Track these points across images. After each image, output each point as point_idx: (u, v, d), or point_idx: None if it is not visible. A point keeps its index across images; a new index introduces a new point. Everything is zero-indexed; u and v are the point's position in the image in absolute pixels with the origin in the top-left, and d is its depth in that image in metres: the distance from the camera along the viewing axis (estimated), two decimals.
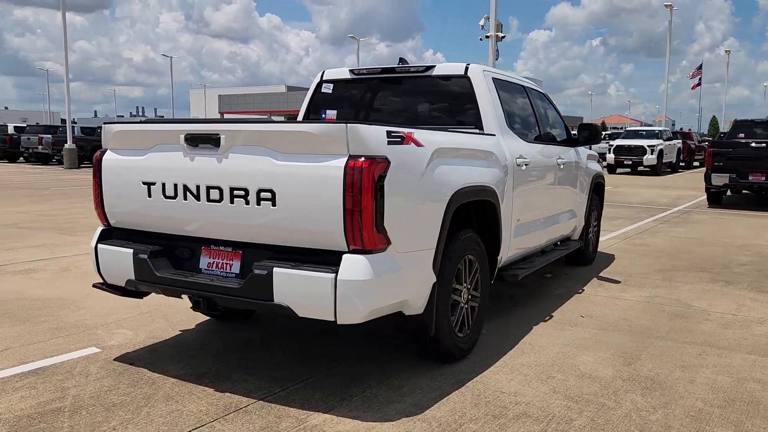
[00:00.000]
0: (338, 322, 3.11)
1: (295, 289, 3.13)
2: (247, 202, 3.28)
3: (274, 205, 3.22)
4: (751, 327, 4.83)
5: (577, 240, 6.66)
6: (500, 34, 15.15)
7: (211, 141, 3.35)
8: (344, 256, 3.08)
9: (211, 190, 3.39)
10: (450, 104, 4.86)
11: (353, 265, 3.06)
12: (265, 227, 3.29)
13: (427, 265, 3.48)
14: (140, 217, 3.74)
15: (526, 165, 4.85)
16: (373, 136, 3.10)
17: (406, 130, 3.37)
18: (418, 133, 3.46)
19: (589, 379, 3.73)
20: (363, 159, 3.03)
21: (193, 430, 3.04)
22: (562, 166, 5.71)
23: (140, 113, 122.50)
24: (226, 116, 62.05)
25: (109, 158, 3.79)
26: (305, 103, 5.35)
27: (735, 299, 5.66)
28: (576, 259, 6.96)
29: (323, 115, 5.27)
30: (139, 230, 3.79)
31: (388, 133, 3.20)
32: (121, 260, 3.69)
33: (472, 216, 4.31)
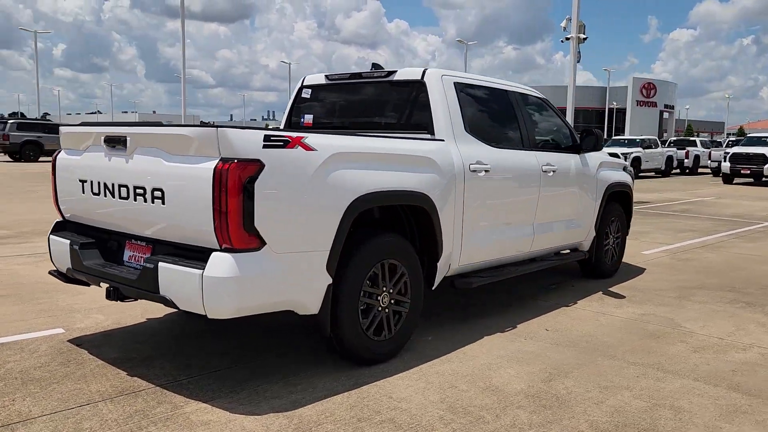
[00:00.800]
0: (208, 317, 3.28)
1: (175, 283, 3.33)
2: (145, 200, 3.53)
3: (163, 203, 3.44)
4: (727, 353, 4.44)
5: (584, 251, 6.37)
6: (582, 36, 14.59)
7: (121, 143, 3.63)
8: (212, 254, 3.24)
9: (121, 188, 3.67)
10: (406, 109, 4.86)
11: (219, 263, 3.21)
12: (159, 224, 3.53)
13: (318, 266, 3.55)
14: (80, 212, 4.12)
15: (486, 171, 4.75)
16: (243, 140, 3.23)
17: (295, 135, 3.47)
18: (313, 138, 3.54)
19: (490, 392, 3.63)
20: (232, 162, 3.18)
21: (78, 407, 3.32)
22: (552, 174, 5.50)
23: (271, 117, 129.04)
24: None
25: (61, 157, 4.20)
26: (287, 108, 5.55)
27: (739, 322, 5.19)
28: (591, 272, 6.66)
29: (302, 120, 5.45)
30: (83, 224, 4.16)
31: (267, 137, 3.31)
32: (62, 250, 4.08)
33: (406, 221, 4.32)
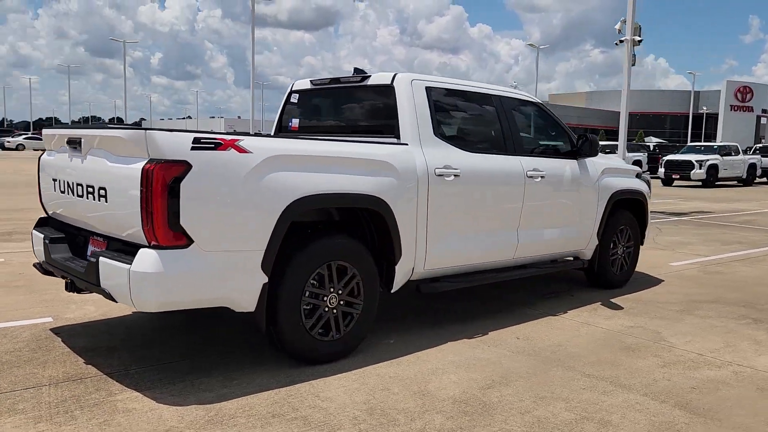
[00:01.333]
0: (135, 309, 3.45)
1: (111, 277, 3.53)
2: (95, 198, 3.75)
3: (107, 201, 3.65)
4: (698, 369, 4.22)
5: (584, 260, 6.18)
6: (637, 38, 14.07)
7: (78, 144, 3.88)
8: (140, 250, 3.41)
9: (78, 187, 3.92)
10: (377, 113, 4.90)
11: (144, 259, 3.38)
12: (106, 221, 3.74)
13: (252, 266, 3.65)
14: (55, 208, 4.41)
15: (455, 176, 4.72)
16: (170, 142, 3.39)
17: (229, 138, 3.59)
18: (249, 140, 3.66)
19: (419, 397, 3.62)
20: (158, 163, 3.34)
21: (23, 389, 3.57)
22: (540, 179, 5.39)
23: None
24: None
25: (43, 157, 4.52)
26: (278, 113, 5.71)
27: (732, 339, 4.91)
28: (597, 282, 6.45)
29: (290, 124, 5.59)
30: (60, 220, 4.45)
31: (196, 139, 3.46)
32: (39, 243, 4.38)
33: (365, 223, 4.36)
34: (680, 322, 5.36)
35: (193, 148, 3.44)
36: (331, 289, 4.09)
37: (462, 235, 4.88)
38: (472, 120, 5.28)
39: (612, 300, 6.04)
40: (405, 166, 4.42)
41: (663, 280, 7.03)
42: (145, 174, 3.34)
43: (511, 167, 5.22)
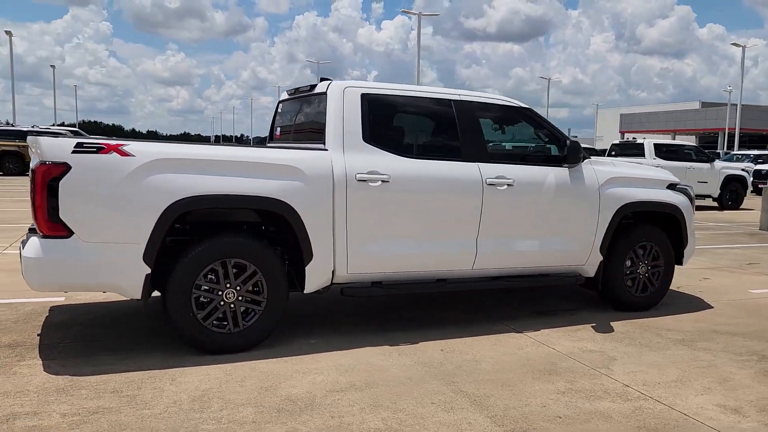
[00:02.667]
0: (30, 288, 4.05)
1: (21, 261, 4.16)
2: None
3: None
4: (599, 401, 3.78)
5: (582, 276, 5.68)
6: None
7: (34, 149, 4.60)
8: (30, 238, 4.00)
9: None
10: (317, 120, 5.04)
11: (30, 246, 3.96)
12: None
13: (133, 257, 4.06)
14: None
15: (383, 181, 4.72)
16: (51, 147, 3.93)
17: (114, 143, 4.06)
18: (134, 145, 4.09)
19: (259, 392, 3.75)
20: (42, 164, 3.90)
21: None
22: (506, 187, 5.13)
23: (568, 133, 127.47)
24: (626, 136, 60.09)
25: None
26: (272, 120, 6.10)
27: (694, 376, 4.26)
28: (610, 302, 5.89)
29: (276, 132, 5.96)
30: None
31: (78, 144, 3.96)
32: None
33: (282, 225, 4.54)
34: (656, 351, 4.74)
35: (74, 152, 3.94)
36: (228, 285, 4.36)
37: (396, 242, 4.83)
38: (419, 126, 5.20)
39: (614, 323, 5.48)
40: (316, 171, 4.53)
41: (712, 307, 6.16)
42: (32, 174, 3.93)
43: (464, 174, 5.04)
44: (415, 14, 37.45)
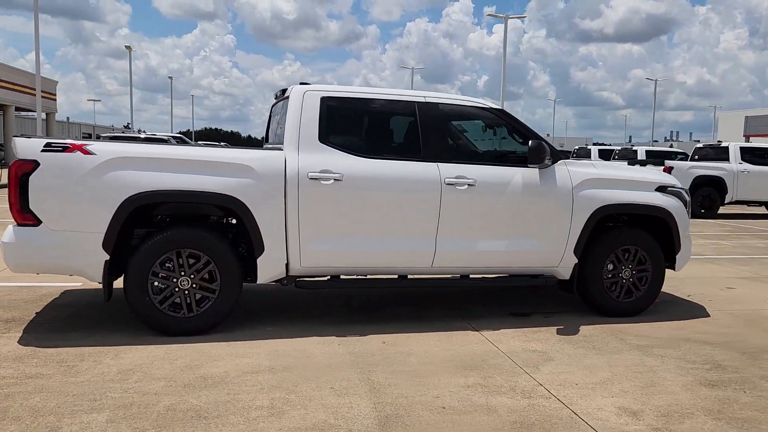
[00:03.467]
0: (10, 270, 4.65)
1: None
2: None
3: None
4: (495, 396, 3.84)
5: (554, 278, 5.64)
6: None
7: None
8: (8, 227, 4.59)
9: None
10: (282, 123, 5.34)
11: (6, 233, 4.55)
12: None
13: (93, 245, 4.55)
14: None
15: (336, 180, 4.97)
16: (24, 146, 4.49)
17: (79, 143, 4.58)
18: (96, 145, 4.59)
19: (188, 371, 4.11)
20: (16, 161, 4.49)
21: None
22: (466, 187, 5.22)
23: (674, 137, 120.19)
24: (751, 139, 56.08)
25: None
26: (267, 123, 6.49)
27: (617, 380, 4.18)
28: (591, 307, 5.79)
29: (268, 134, 6.34)
30: None
31: (48, 144, 4.51)
32: None
33: (237, 219, 4.90)
34: (603, 355, 4.66)
35: (43, 151, 4.49)
36: (182, 273, 4.77)
37: (349, 238, 5.05)
38: (379, 128, 5.38)
39: (585, 326, 5.40)
40: (268, 169, 4.85)
41: (708, 316, 5.90)
42: (8, 170, 4.52)
43: (421, 173, 5.17)
44: (501, 17, 37.06)
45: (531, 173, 5.44)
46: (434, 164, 5.23)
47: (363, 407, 3.58)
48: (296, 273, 5.07)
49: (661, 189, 5.86)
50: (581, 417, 3.55)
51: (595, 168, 5.75)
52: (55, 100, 44.71)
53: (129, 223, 4.66)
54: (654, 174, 6.11)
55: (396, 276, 5.37)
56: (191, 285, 4.79)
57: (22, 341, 4.58)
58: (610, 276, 5.73)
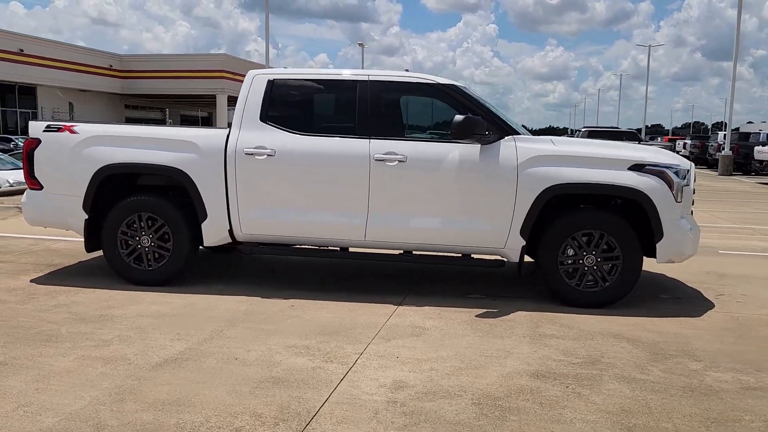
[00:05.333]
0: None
1: None
2: None
3: None
4: (231, 364, 4.05)
5: (500, 259, 5.38)
6: None
7: None
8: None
9: None
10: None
11: (24, 195, 5.90)
12: None
13: (77, 206, 5.67)
14: None
15: (269, 155, 5.45)
16: (32, 128, 5.75)
17: (70, 125, 5.73)
18: (81, 126, 5.70)
19: (100, 309, 5.01)
20: (27, 139, 5.80)
21: None
22: (396, 163, 5.30)
23: None
24: None
25: None
26: None
27: (458, 362, 4.07)
28: (552, 294, 5.44)
29: None
30: None
31: (48, 126, 5.73)
32: None
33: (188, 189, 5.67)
34: (482, 338, 4.47)
35: (44, 131, 5.73)
36: (143, 233, 5.68)
37: (283, 209, 5.48)
38: (318, 106, 5.63)
39: (518, 312, 5.10)
40: (209, 145, 5.51)
41: (698, 316, 5.13)
42: (23, 145, 5.85)
43: (350, 149, 5.37)
44: None
45: (471, 149, 5.28)
46: (366, 140, 5.38)
47: (169, 349, 4.08)
48: (240, 239, 5.65)
49: (637, 167, 5.19)
50: (343, 381, 3.61)
51: (552, 145, 5.33)
52: None
53: (103, 189, 5.68)
54: (632, 151, 5.43)
55: (338, 248, 5.66)
56: (150, 243, 5.67)
57: (33, 279, 5.89)
58: (570, 262, 5.28)
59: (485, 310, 5.14)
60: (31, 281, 5.79)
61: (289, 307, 5.13)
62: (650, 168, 5.19)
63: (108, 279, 5.84)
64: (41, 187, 5.77)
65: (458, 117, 5.13)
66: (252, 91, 5.60)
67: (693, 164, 5.64)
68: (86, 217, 5.68)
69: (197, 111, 44.29)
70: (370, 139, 5.38)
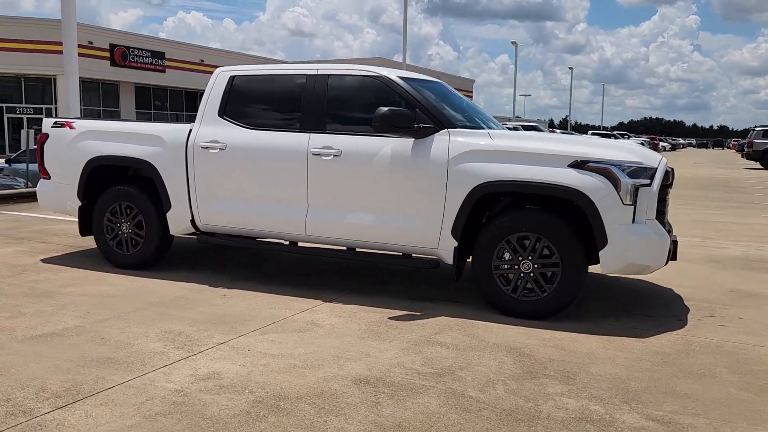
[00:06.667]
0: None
1: None
2: None
3: None
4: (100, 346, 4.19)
5: (433, 260, 5.09)
6: None
7: None
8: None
9: None
10: None
11: (38, 183, 6.67)
12: None
13: (73, 194, 6.31)
14: None
15: (221, 149, 5.66)
16: (45, 123, 6.48)
17: (70, 121, 6.38)
18: (78, 122, 6.32)
19: (63, 284, 5.54)
20: (39, 134, 6.55)
21: None
22: (332, 158, 5.24)
23: None
24: None
25: None
26: None
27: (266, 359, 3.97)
28: (488, 302, 5.05)
29: None
30: None
31: (56, 122, 6.43)
32: None
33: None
34: (353, 338, 4.29)
35: (52, 126, 6.44)
36: (123, 220, 6.16)
37: (232, 201, 5.65)
38: (269, 101, 5.64)
39: (439, 318, 4.81)
40: (174, 140, 5.83)
41: (642, 337, 4.49)
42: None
43: (290, 143, 5.40)
44: None
45: (403, 144, 5.06)
46: (306, 135, 5.37)
47: (60, 324, 4.42)
48: (201, 228, 5.92)
49: (579, 165, 4.63)
50: (163, 368, 3.68)
51: (489, 139, 4.92)
52: (471, 96, 49.98)
53: (94, 179, 6.24)
54: (578, 146, 4.82)
55: (286, 241, 5.70)
56: (128, 230, 6.14)
57: (43, 257, 6.63)
58: (506, 267, 4.85)
59: (406, 313, 4.89)
60: (42, 260, 6.52)
61: (220, 297, 5.27)
62: (593, 165, 4.60)
63: (105, 262, 6.40)
64: (49, 177, 6.49)
65: (379, 110, 4.93)
66: (215, 87, 5.83)
67: (665, 161, 4.88)
68: (80, 204, 6.28)
69: None
70: (310, 133, 5.36)
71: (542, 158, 4.71)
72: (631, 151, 4.82)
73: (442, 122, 5.03)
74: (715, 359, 4.04)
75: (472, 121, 5.48)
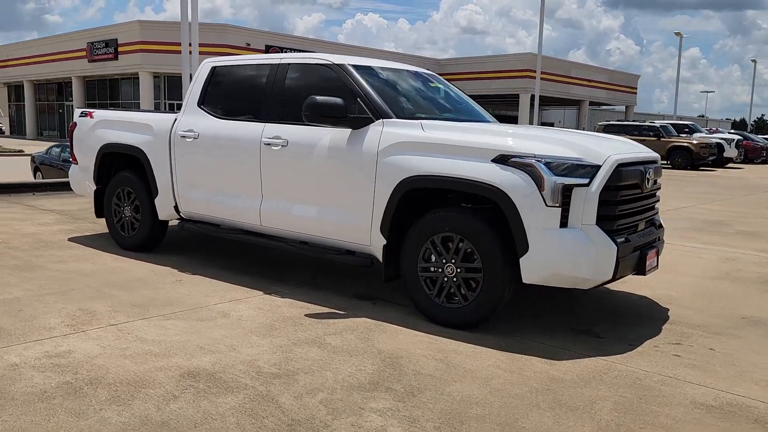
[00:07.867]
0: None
1: None
2: None
3: None
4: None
5: (368, 257, 4.83)
6: None
7: None
8: None
9: None
10: None
11: (70, 168, 7.28)
12: None
13: (90, 177, 6.82)
14: None
15: (194, 138, 5.81)
16: (77, 113, 7.07)
17: (92, 111, 6.90)
18: (97, 112, 6.82)
19: (52, 262, 6.01)
20: (71, 123, 7.15)
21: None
22: (280, 148, 5.17)
23: None
24: None
25: None
26: None
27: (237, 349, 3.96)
28: (415, 307, 4.70)
29: None
30: None
31: (82, 112, 6.99)
32: None
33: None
34: (238, 330, 4.19)
35: (79, 116, 7.01)
36: (125, 204, 6.55)
37: (204, 190, 5.77)
38: (238, 91, 5.61)
39: (359, 319, 4.59)
40: (161, 129, 6.08)
41: (562, 360, 3.95)
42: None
43: (246, 133, 5.39)
44: None
45: (340, 134, 4.85)
46: (262, 124, 5.34)
47: (14, 293, 4.80)
48: (184, 216, 6.11)
49: (503, 160, 4.14)
50: (32, 343, 3.86)
51: (420, 130, 4.54)
52: (635, 93, 46.59)
53: (106, 164, 6.70)
54: (512, 138, 4.28)
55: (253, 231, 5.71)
56: (129, 214, 6.51)
57: (73, 235, 7.23)
58: (432, 270, 4.48)
59: (330, 311, 4.69)
60: (70, 238, 7.13)
61: (173, 282, 5.39)
62: (516, 160, 4.08)
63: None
64: (76, 162, 7.07)
65: (309, 98, 4.74)
66: (198, 77, 5.99)
67: (615, 159, 4.18)
68: (95, 187, 6.78)
69: (503, 110, 45.01)
70: (266, 123, 5.32)
71: (468, 151, 4.26)
72: (570, 144, 4.20)
73: (379, 113, 4.74)
74: (613, 392, 3.41)
75: (440, 116, 5.09)
